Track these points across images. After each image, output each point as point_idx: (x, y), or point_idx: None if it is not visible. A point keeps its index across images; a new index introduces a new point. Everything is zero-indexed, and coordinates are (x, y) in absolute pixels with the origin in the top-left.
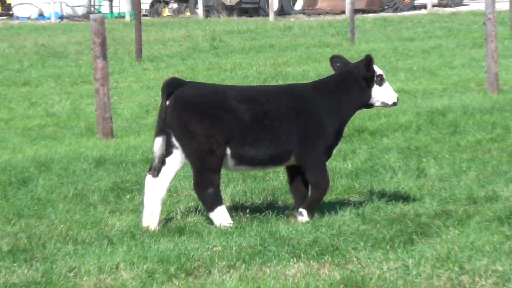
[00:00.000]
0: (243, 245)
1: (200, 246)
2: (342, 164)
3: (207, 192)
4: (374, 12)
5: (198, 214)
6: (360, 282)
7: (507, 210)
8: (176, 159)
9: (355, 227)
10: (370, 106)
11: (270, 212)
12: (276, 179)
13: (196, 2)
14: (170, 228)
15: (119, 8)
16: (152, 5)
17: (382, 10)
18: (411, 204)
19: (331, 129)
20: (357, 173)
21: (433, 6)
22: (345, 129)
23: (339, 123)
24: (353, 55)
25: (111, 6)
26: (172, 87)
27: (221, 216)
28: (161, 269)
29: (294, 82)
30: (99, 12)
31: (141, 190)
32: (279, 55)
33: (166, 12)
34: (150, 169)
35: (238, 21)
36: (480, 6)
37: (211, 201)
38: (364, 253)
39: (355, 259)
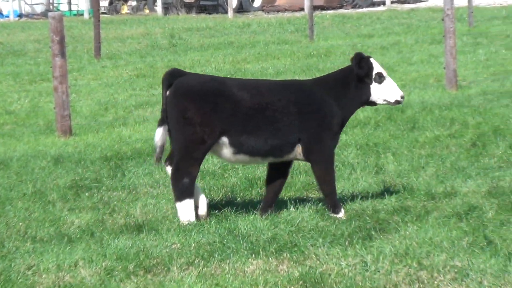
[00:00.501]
0: (202, 242)
1: (159, 243)
2: (301, 162)
3: (183, 181)
4: (333, 9)
5: (157, 211)
6: (319, 278)
7: (465, 206)
8: None
9: (314, 223)
10: (373, 103)
11: (229, 209)
12: (235, 175)
13: (155, 0)
14: (128, 225)
15: (77, 6)
16: (110, 2)
17: (341, 7)
18: (369, 201)
19: (335, 121)
20: None
21: (392, 2)
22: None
23: (341, 118)
24: (312, 52)
25: (69, 4)
26: (173, 77)
27: (187, 209)
28: (120, 267)
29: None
30: (58, 10)
31: (100, 188)
32: (238, 52)
33: (125, 9)
34: (166, 160)
35: (197, 18)
36: (439, 2)
37: (183, 191)
38: (323, 250)
39: (313, 255)
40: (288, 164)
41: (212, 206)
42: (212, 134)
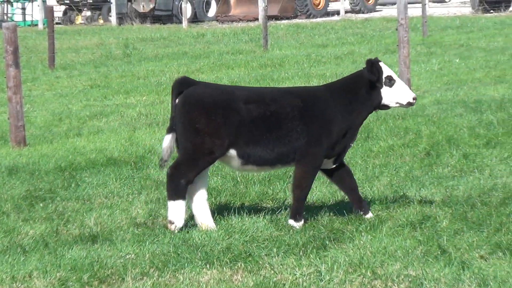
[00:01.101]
0: (156, 253)
1: (113, 253)
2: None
3: (179, 181)
4: (287, 18)
5: (111, 222)
6: None
7: (419, 215)
8: None
9: (268, 233)
10: (385, 107)
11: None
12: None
13: (109, 10)
14: (83, 236)
15: (32, 16)
16: (65, 13)
17: (295, 17)
18: (324, 210)
19: (335, 129)
20: (270, 179)
21: (346, 12)
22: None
23: (347, 124)
24: (266, 61)
25: (24, 14)
26: (182, 86)
27: (177, 210)
28: (74, 277)
29: None
30: (12, 20)
31: (54, 199)
32: (192, 62)
33: (79, 20)
34: (163, 166)
35: (151, 28)
36: (393, 12)
37: (177, 191)
38: (277, 259)
39: (268, 265)
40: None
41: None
42: (221, 146)
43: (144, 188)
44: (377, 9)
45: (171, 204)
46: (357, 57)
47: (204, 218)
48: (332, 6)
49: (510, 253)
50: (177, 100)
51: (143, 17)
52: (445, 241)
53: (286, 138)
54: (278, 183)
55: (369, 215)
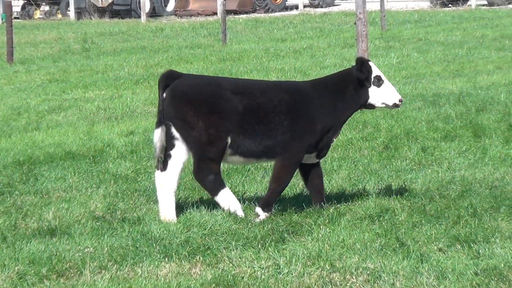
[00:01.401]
0: (114, 246)
1: (72, 247)
2: None
3: (208, 178)
4: (246, 13)
5: (70, 215)
6: (232, 281)
7: (377, 208)
8: (181, 151)
9: (227, 226)
10: (371, 106)
11: (142, 212)
12: (148, 179)
13: (67, 4)
14: (41, 229)
15: None
16: (23, 7)
17: (254, 11)
18: (282, 203)
19: (319, 126)
20: (228, 173)
21: (305, 6)
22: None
23: (332, 121)
24: (225, 56)
25: None
26: (169, 79)
27: (226, 198)
28: (33, 271)
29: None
30: None
31: (12, 193)
32: (151, 56)
33: (37, 14)
34: (157, 165)
35: (110, 23)
36: (351, 6)
37: (214, 186)
38: (236, 253)
39: (226, 258)
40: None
41: (125, 210)
42: (218, 135)
43: (102, 182)
44: (335, 3)
45: (218, 199)
46: (316, 51)
47: (167, 208)
48: (291, 1)
49: (468, 245)
50: (164, 94)
51: (101, 11)
52: (403, 234)
53: (272, 131)
54: (236, 177)
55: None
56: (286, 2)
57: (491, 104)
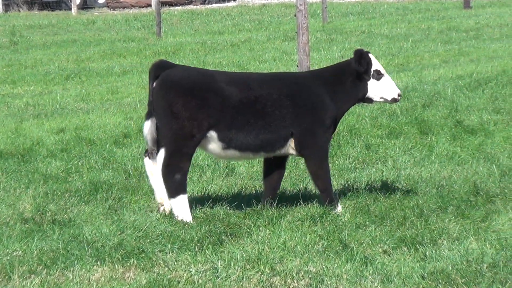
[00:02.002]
0: (44, 249)
1: None
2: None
3: (174, 177)
4: (181, 4)
5: None
6: (167, 286)
7: (320, 209)
8: None
9: (162, 228)
10: (369, 100)
11: (73, 214)
12: (79, 179)
13: None
14: None
15: None
16: None
17: (190, 3)
18: (220, 204)
19: (328, 114)
20: None
21: None
22: None
23: (335, 112)
24: (160, 49)
25: None
26: (159, 69)
27: (181, 205)
28: None
29: (99, 78)
30: None
31: None
32: (82, 50)
33: None
34: (145, 152)
35: (39, 15)
36: None
37: (176, 187)
38: (171, 256)
39: (162, 262)
40: (285, 157)
41: (56, 211)
42: (200, 128)
43: (31, 182)
44: None
45: (173, 202)
46: (255, 44)
47: (162, 193)
48: None
49: (414, 247)
50: (154, 84)
51: (30, 3)
52: (346, 236)
53: (271, 125)
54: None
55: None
56: None
57: (437, 100)
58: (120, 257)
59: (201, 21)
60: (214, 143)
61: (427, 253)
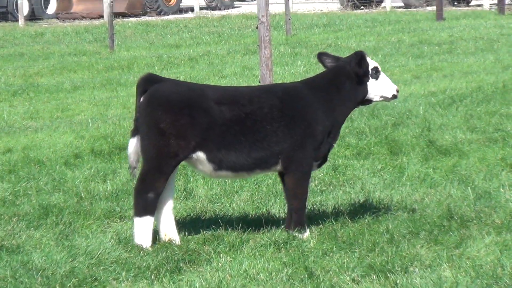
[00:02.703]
0: None
1: None
2: (101, 186)
3: (147, 195)
4: (136, 16)
5: None
6: None
7: (284, 234)
8: None
9: (117, 255)
10: (369, 102)
11: (22, 240)
12: (28, 203)
13: None
14: None
15: None
16: None
17: (145, 14)
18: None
19: (320, 128)
20: (117, 195)
21: (201, 9)
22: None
23: (331, 122)
24: (113, 64)
25: None
26: (147, 84)
27: (145, 228)
28: None
29: (48, 94)
30: None
31: None
32: (30, 64)
33: None
34: (132, 172)
35: None
36: (253, 9)
37: (146, 207)
38: (126, 284)
39: None
40: None
41: (3, 237)
42: (186, 149)
43: None
44: (235, 5)
45: (138, 221)
46: (214, 58)
47: (169, 229)
48: (186, 2)
49: (384, 275)
50: (141, 99)
51: None
52: (312, 263)
53: (264, 141)
54: (126, 199)
55: (297, 234)
56: (181, 4)
57: (408, 118)
58: (72, 285)
59: (156, 34)
60: (203, 165)
61: (398, 281)
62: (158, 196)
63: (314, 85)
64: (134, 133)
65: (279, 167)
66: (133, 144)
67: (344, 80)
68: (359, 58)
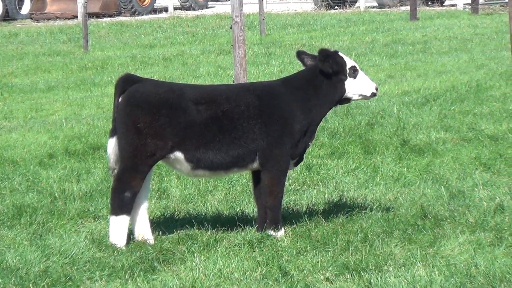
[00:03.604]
0: None
1: None
2: (75, 186)
3: (124, 194)
4: (110, 16)
5: None
6: None
7: (257, 234)
8: None
9: (90, 254)
10: (348, 101)
11: None
12: (1, 203)
13: None
14: None
15: None
16: None
17: (119, 14)
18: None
19: (297, 126)
20: (91, 195)
21: (175, 9)
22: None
23: (308, 121)
24: (87, 64)
25: None
26: (126, 84)
27: (120, 227)
28: None
29: (22, 94)
30: None
31: None
32: (4, 65)
33: None
34: (112, 173)
35: None
36: (227, 9)
37: (122, 206)
38: (101, 284)
39: None
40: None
41: None
42: (163, 148)
43: None
44: (209, 6)
45: (113, 220)
46: (188, 58)
47: (143, 229)
48: (160, 2)
49: (358, 274)
50: (120, 99)
51: None
52: (286, 262)
53: (241, 139)
54: (100, 199)
55: (271, 232)
56: (155, 4)
57: (382, 117)
58: (45, 285)
59: (130, 34)
60: (181, 164)
61: (372, 280)
62: (135, 195)
63: (292, 84)
64: (112, 133)
65: (256, 164)
66: (112, 145)
67: (321, 79)
68: (324, 55)
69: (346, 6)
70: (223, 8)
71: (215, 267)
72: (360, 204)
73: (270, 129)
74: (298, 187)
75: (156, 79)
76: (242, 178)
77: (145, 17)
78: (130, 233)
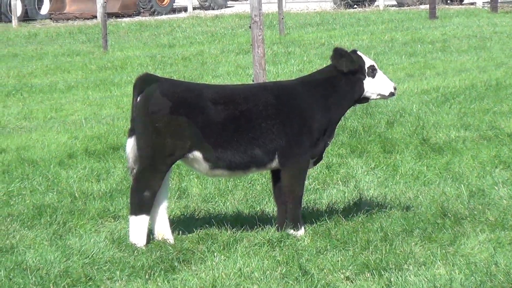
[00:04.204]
0: None
1: None
2: (95, 185)
3: (143, 194)
4: (129, 16)
5: None
6: None
7: (278, 233)
8: None
9: (111, 254)
10: (366, 100)
11: (16, 240)
12: (22, 203)
13: None
14: None
15: None
16: None
17: (138, 14)
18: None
19: (316, 125)
20: (112, 195)
21: (194, 8)
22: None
23: (327, 119)
24: (106, 64)
25: None
26: (144, 83)
27: (140, 226)
28: None
29: (42, 95)
30: None
31: None
32: (24, 65)
33: None
34: (131, 173)
35: None
36: (246, 8)
37: (141, 205)
38: (121, 283)
39: None
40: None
41: (0, 237)
42: (182, 148)
43: None
44: (228, 5)
45: (133, 219)
46: (207, 58)
47: (163, 229)
48: (179, 2)
49: (379, 273)
50: (138, 99)
51: None
52: (306, 261)
53: (259, 139)
54: (120, 199)
55: (291, 231)
56: (174, 4)
57: (402, 116)
58: (66, 285)
59: (150, 34)
60: (199, 164)
61: (392, 279)
62: (154, 194)
63: (310, 83)
64: (131, 133)
65: (275, 164)
66: (131, 145)
67: (339, 78)
68: (339, 54)
69: (365, 5)
70: (242, 8)
71: (235, 266)
72: (380, 203)
73: (289, 129)
74: (318, 186)
75: (175, 78)
76: (262, 178)
77: (164, 17)
78: (150, 232)
